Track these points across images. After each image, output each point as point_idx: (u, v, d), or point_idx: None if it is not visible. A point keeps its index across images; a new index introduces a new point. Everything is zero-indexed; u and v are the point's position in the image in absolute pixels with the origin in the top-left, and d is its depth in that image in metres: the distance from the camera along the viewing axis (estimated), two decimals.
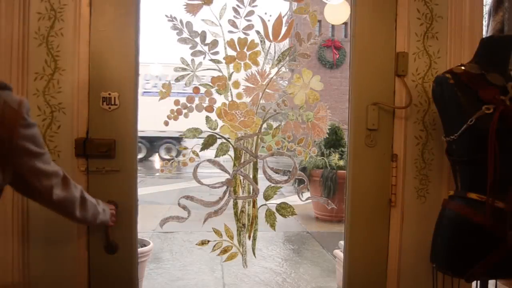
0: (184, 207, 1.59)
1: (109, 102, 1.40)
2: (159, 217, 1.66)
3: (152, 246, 2.78)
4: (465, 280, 1.24)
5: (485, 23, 1.89)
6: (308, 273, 3.38)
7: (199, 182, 1.61)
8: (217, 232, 1.64)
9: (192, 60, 1.53)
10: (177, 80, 1.55)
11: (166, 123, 1.54)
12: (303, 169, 4.95)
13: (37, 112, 1.32)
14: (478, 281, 1.34)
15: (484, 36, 1.57)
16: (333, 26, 16.68)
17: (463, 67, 1.29)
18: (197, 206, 1.60)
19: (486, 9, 1.86)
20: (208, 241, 1.62)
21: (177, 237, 4.16)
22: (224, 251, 1.63)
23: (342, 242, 2.34)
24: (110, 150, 1.38)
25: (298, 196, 1.78)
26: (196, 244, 1.64)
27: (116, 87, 1.40)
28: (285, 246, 4.16)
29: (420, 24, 1.49)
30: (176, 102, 1.54)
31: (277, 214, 1.64)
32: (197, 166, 1.60)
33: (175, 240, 4.10)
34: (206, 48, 1.53)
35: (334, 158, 5.08)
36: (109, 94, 1.39)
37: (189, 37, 1.52)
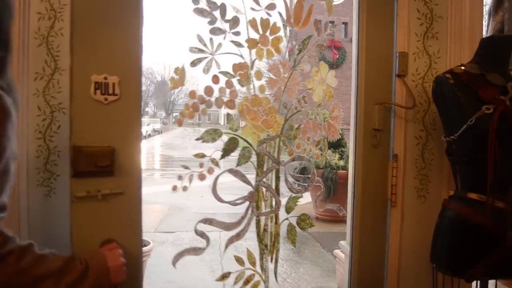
0: (202, 234, 1.28)
1: (105, 90, 0.97)
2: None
3: (152, 246, 2.78)
4: (465, 280, 1.24)
5: (485, 23, 1.89)
6: (308, 273, 3.38)
7: (219, 200, 1.31)
8: (238, 260, 1.39)
9: (211, 39, 1.24)
10: (193, 64, 1.22)
11: (180, 123, 1.24)
12: (303, 169, 4.95)
13: (37, 112, 1.32)
14: (478, 281, 1.34)
15: (484, 36, 1.57)
16: (333, 26, 16.61)
17: (463, 67, 1.29)
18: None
19: (486, 9, 1.86)
20: (230, 273, 1.37)
21: (177, 236, 4.17)
22: (247, 281, 1.38)
23: (342, 242, 2.33)
24: (110, 164, 0.96)
25: (315, 204, 1.64)
26: (216, 280, 1.39)
27: (115, 68, 0.97)
28: (285, 246, 4.16)
29: (420, 24, 1.49)
30: (192, 95, 1.23)
31: (297, 228, 1.45)
32: (216, 179, 1.29)
33: (176, 239, 4.11)
34: (226, 26, 1.26)
35: (334, 158, 5.08)
36: (105, 78, 0.97)
37: (207, 8, 1.23)
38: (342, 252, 2.47)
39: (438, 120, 1.43)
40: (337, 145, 5.26)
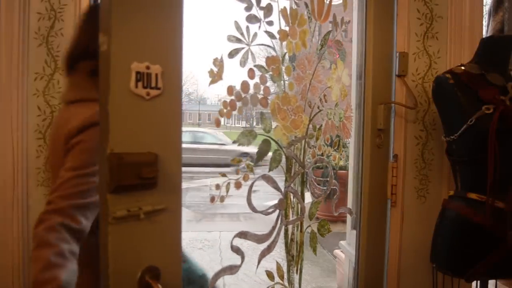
0: (238, 250, 1.15)
1: (148, 83, 0.78)
2: None
3: None
4: (465, 280, 1.24)
5: (485, 23, 1.89)
6: (308, 273, 3.38)
7: (254, 209, 1.16)
8: (269, 274, 1.28)
9: (247, 28, 1.12)
10: (230, 55, 1.10)
11: (218, 122, 1.10)
12: None
13: (37, 112, 1.32)
14: (478, 281, 1.34)
15: (484, 36, 1.57)
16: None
17: (463, 67, 1.29)
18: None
19: (486, 9, 1.86)
20: None
21: None
22: None
23: (342, 242, 2.33)
24: (156, 176, 0.78)
25: (332, 209, 1.52)
26: None
27: (157, 55, 0.79)
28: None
29: (420, 24, 1.49)
30: (230, 91, 1.07)
31: (317, 235, 1.37)
32: (251, 187, 1.14)
33: None
34: (261, 14, 1.15)
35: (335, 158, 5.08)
36: (147, 67, 0.77)
37: None
38: (342, 252, 2.47)
39: (438, 120, 1.43)
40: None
